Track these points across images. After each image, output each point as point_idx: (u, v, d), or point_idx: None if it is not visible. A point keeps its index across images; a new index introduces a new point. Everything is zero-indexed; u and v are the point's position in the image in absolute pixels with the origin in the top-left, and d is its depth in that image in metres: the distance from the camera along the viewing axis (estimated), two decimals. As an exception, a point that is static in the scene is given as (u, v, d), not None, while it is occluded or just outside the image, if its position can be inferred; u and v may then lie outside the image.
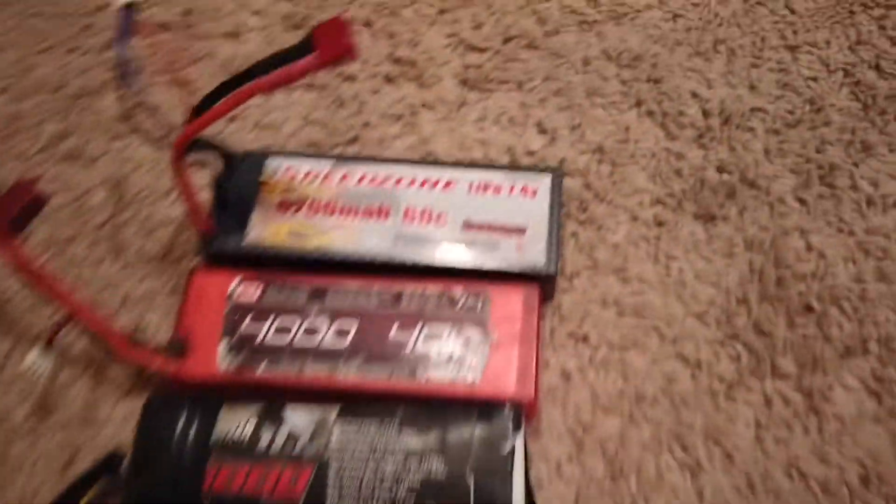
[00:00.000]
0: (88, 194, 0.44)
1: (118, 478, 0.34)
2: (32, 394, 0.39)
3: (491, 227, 0.37)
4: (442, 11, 0.48)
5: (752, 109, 0.42)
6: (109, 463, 0.34)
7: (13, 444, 0.38)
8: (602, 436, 0.36)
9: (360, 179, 0.39)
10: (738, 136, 0.42)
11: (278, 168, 0.40)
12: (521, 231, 0.37)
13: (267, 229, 0.38)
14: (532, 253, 0.36)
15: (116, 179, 0.44)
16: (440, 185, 0.38)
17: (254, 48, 0.48)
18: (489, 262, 0.36)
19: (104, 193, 0.44)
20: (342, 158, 0.40)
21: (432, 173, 0.39)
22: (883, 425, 0.34)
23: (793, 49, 0.44)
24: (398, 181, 0.39)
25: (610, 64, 0.45)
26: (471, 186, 0.38)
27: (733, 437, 0.35)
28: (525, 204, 0.38)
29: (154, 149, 0.45)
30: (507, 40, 0.46)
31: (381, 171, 0.39)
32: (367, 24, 0.48)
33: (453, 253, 0.37)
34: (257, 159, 0.40)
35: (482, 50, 0.46)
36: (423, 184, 0.38)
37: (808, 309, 0.37)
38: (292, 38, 0.47)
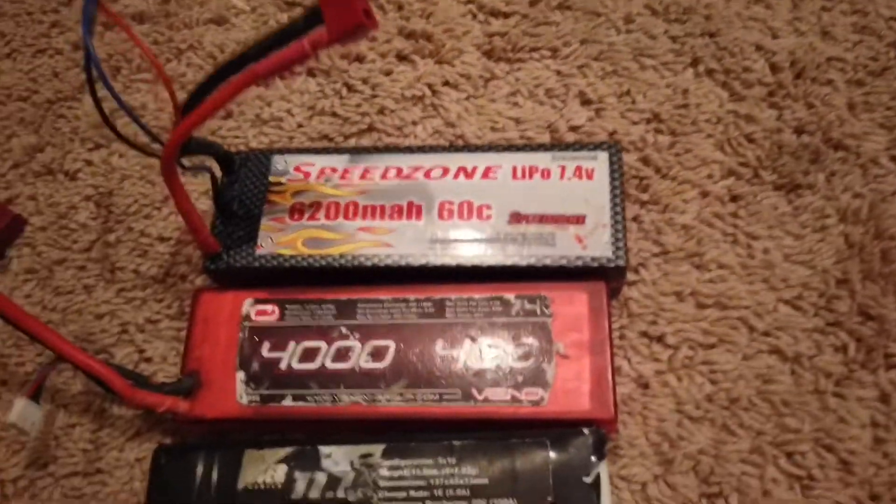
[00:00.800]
0: (72, 212, 0.40)
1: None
2: (25, 446, 0.35)
3: (543, 218, 0.33)
4: (455, -26, 0.44)
5: (829, 59, 0.38)
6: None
7: (10, 503, 0.34)
8: (692, 450, 0.32)
9: (385, 173, 0.35)
10: (815, 90, 0.38)
11: (287, 167, 0.36)
12: (579, 219, 0.33)
13: (280, 239, 0.34)
14: (595, 244, 0.32)
15: (102, 194, 0.41)
16: (478, 173, 0.34)
17: (245, 33, 0.44)
18: (546, 259, 0.32)
19: (90, 210, 0.40)
20: (361, 150, 0.36)
21: (468, 160, 0.35)
22: None
23: (867, -13, 0.40)
24: (428, 173, 0.35)
25: (657, 19, 0.41)
26: (514, 172, 0.34)
27: (848, 441, 0.31)
28: (580, 187, 0.34)
29: (142, 155, 0.41)
30: (534, 1, 0.42)
31: (408, 161, 0.35)
32: (373, -4, 0.44)
33: (502, 251, 0.33)
34: (262, 159, 0.36)
35: (506, 15, 0.42)
36: (458, 173, 0.35)
37: (922, 284, 0.33)
38: (289, 18, 0.44)
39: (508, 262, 0.33)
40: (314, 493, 0.29)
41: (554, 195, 0.34)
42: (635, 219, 0.36)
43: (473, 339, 0.32)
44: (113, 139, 0.42)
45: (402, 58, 0.42)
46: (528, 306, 0.32)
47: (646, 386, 0.33)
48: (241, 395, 0.31)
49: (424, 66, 0.41)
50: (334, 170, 0.35)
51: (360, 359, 0.32)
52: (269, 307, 0.33)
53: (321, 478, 0.29)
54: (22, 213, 0.41)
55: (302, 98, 0.42)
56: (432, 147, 0.36)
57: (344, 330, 0.32)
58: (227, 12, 0.45)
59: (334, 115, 0.41)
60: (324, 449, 0.30)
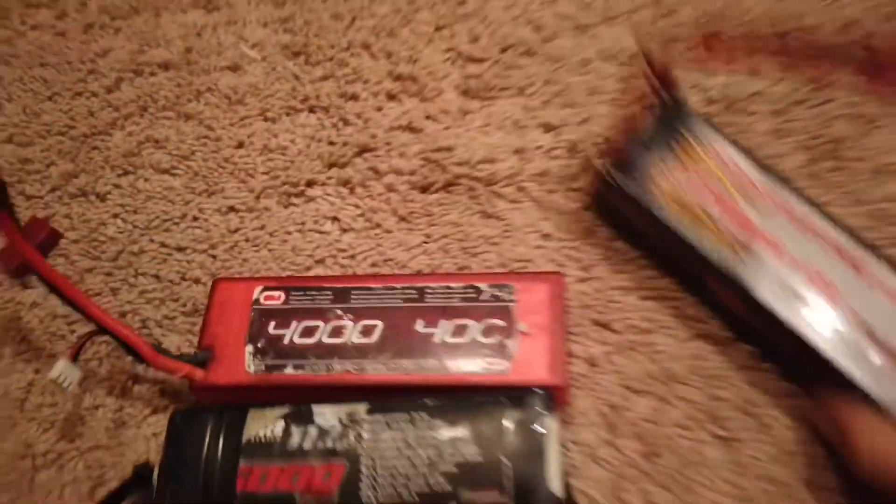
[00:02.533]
0: (102, 227, 0.47)
1: (149, 489, 0.35)
2: (56, 422, 0.41)
3: None
4: (438, 28, 0.52)
5: (753, 94, 0.46)
6: (139, 476, 0.36)
7: (40, 473, 0.40)
8: (633, 417, 0.37)
9: (792, 213, 0.37)
10: (741, 120, 0.45)
11: (706, 136, 0.40)
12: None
13: (662, 185, 0.38)
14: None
15: (128, 211, 0.47)
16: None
17: (256, 78, 0.52)
18: None
19: (117, 226, 0.47)
20: (779, 176, 0.39)
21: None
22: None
23: (784, 35, 0.48)
24: (815, 231, 0.37)
25: (608, 64, 0.48)
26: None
27: (767, 407, 0.37)
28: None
29: (162, 179, 0.48)
30: (504, 49, 0.50)
31: (809, 216, 0.38)
32: (366, 46, 0.52)
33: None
34: (689, 117, 0.40)
35: (481, 60, 0.50)
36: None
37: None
38: (294, 66, 0.52)
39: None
40: (307, 444, 0.34)
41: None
42: (592, 231, 0.43)
43: (449, 320, 0.38)
44: (138, 167, 0.49)
45: (391, 97, 0.50)
46: (496, 293, 0.38)
47: (595, 365, 0.39)
48: (249, 364, 0.37)
49: (410, 103, 0.49)
50: (741, 173, 0.39)
51: (352, 335, 0.38)
52: (276, 293, 0.39)
53: (313, 431, 0.35)
54: (58, 229, 0.47)
55: (304, 130, 0.49)
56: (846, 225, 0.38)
57: (339, 312, 0.38)
58: (241, 61, 0.52)
59: (331, 143, 0.48)
60: (316, 408, 0.35)
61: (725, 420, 0.37)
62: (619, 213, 0.41)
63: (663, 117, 0.40)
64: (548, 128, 0.47)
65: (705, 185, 0.38)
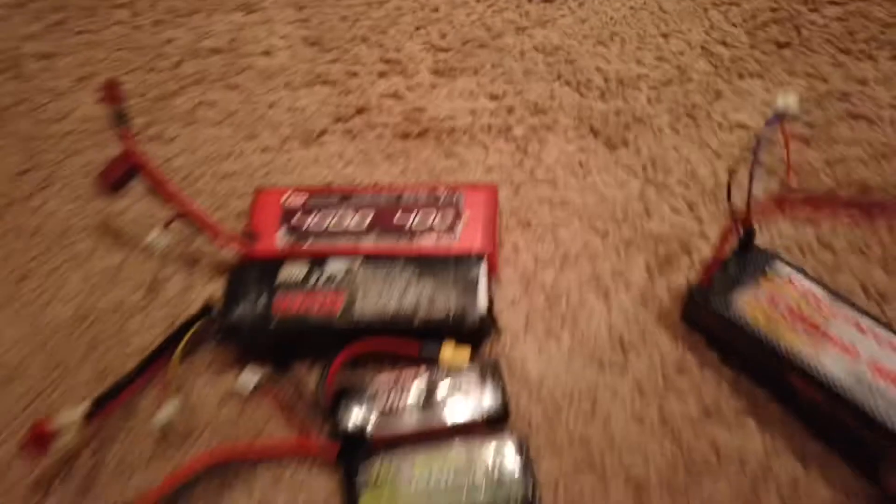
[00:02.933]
0: (171, 160, 0.66)
1: (213, 315, 0.53)
2: (141, 286, 0.59)
3: None
4: (417, 28, 0.71)
5: (638, 76, 0.65)
6: (205, 309, 0.54)
7: (132, 318, 0.57)
8: (542, 281, 0.56)
9: (856, 325, 0.45)
10: (629, 93, 0.64)
11: (785, 274, 0.48)
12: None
13: (749, 307, 0.47)
14: (487, 161, 0.58)
15: (188, 151, 0.66)
16: None
17: (283, 61, 0.71)
18: None
19: (182, 160, 0.66)
20: (843, 299, 0.46)
21: None
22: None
23: (665, 36, 0.67)
24: (876, 336, 0.44)
25: (539, 54, 0.68)
26: None
27: (631, 272, 0.55)
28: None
29: (216, 131, 0.67)
30: (464, 43, 0.69)
31: (872, 326, 0.45)
32: (364, 39, 0.71)
33: None
34: (769, 256, 0.49)
35: (447, 50, 0.69)
36: None
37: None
38: (311, 52, 0.71)
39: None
40: (321, 283, 0.52)
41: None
42: (520, 163, 0.62)
43: (417, 213, 0.56)
44: (195, 122, 0.67)
45: (381, 74, 0.69)
46: (449, 196, 0.57)
47: (517, 250, 0.58)
48: (280, 241, 0.56)
49: (395, 79, 0.68)
50: (818, 300, 0.47)
51: (352, 221, 0.56)
52: (300, 197, 0.58)
53: (325, 275, 0.53)
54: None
55: (318, 97, 0.68)
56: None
57: (344, 207, 0.57)
58: (272, 48, 0.72)
59: (337, 105, 0.67)
60: (328, 260, 0.53)
61: (605, 281, 0.55)
62: (707, 326, 0.51)
63: (744, 252, 0.50)
64: (493, 97, 0.66)
65: (784, 304, 0.47)
